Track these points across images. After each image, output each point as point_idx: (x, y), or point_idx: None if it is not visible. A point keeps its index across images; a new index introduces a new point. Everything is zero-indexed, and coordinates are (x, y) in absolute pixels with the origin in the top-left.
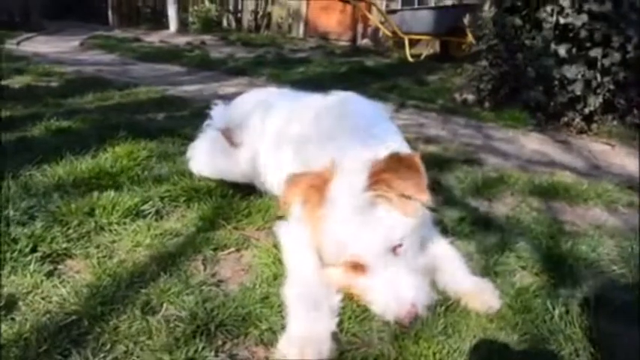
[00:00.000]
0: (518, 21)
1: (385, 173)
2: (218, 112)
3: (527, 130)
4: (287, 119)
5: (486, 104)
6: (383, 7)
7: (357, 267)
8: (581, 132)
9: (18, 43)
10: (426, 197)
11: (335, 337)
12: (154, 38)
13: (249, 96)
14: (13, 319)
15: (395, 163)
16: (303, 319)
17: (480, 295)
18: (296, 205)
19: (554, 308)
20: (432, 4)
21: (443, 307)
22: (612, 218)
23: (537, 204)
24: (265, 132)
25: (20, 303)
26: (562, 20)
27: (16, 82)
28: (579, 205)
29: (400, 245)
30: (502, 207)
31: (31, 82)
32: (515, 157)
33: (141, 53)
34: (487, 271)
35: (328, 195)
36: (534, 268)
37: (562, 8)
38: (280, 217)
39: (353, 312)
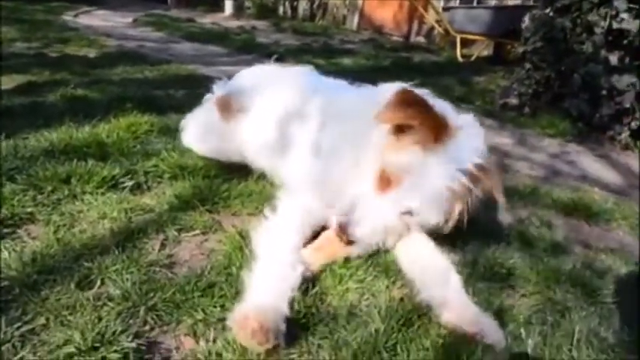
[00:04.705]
0: (567, 23)
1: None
2: (219, 85)
3: (566, 141)
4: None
5: (526, 109)
6: (440, 5)
7: (385, 181)
8: (626, 148)
9: (75, 15)
10: (503, 199)
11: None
12: (207, 20)
13: (254, 69)
14: None
15: (496, 164)
16: (261, 294)
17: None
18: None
19: None
20: (492, 4)
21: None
22: (635, 243)
23: (552, 219)
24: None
25: None
26: (615, 25)
27: (56, 50)
28: (599, 226)
29: (412, 214)
30: (508, 217)
31: (70, 52)
32: (543, 167)
33: (188, 33)
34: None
35: (441, 142)
36: (524, 289)
37: (617, 12)
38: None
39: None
